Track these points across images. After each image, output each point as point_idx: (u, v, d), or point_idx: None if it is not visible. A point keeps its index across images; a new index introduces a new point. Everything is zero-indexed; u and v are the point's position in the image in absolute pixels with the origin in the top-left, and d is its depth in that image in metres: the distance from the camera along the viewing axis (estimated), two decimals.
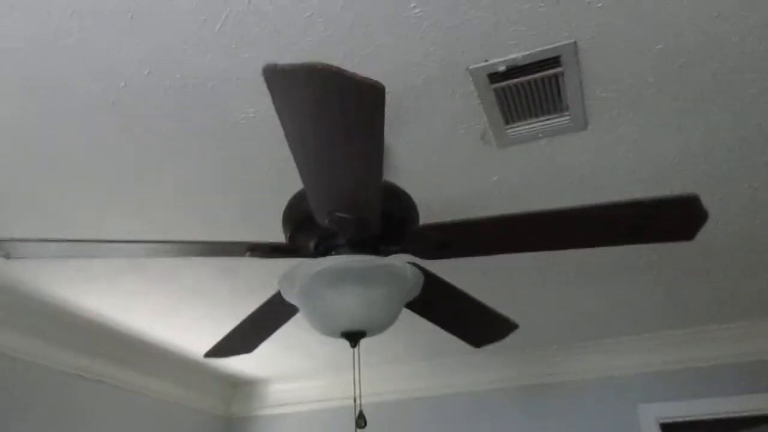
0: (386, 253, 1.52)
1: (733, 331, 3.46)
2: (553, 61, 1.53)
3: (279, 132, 1.72)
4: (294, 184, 1.94)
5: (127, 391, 3.46)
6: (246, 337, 1.98)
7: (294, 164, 1.82)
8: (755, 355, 3.42)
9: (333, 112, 0.90)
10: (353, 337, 1.45)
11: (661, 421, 3.49)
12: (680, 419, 3.52)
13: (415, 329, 3.35)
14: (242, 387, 4.41)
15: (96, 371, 3.24)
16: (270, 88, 0.88)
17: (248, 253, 1.51)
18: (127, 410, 3.43)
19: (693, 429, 5.22)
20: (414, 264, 1.49)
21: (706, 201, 2.11)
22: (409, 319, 3.13)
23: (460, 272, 2.62)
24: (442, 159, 1.90)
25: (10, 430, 2.75)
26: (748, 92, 1.65)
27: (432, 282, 1.68)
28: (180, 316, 2.99)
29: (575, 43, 1.47)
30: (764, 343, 3.41)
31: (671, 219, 1.29)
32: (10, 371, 2.83)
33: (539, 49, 1.49)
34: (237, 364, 3.91)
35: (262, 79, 1.52)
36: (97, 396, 3.25)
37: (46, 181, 1.90)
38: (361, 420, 1.45)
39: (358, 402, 4.11)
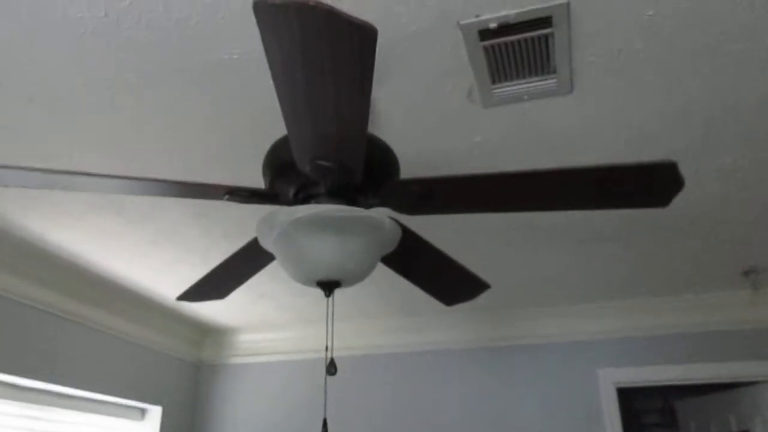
0: (366, 205, 1.52)
1: (689, 303, 3.58)
2: (545, 21, 1.52)
3: (263, 75, 1.69)
4: (275, 129, 1.92)
5: (96, 331, 3.45)
6: (220, 282, 1.98)
7: (277, 109, 1.80)
8: (707, 326, 3.56)
9: (323, 53, 0.88)
10: (328, 287, 1.45)
11: (618, 385, 3.63)
12: (636, 384, 3.68)
13: (386, 286, 3.38)
14: (212, 334, 4.43)
15: (65, 309, 3.21)
16: (260, 23, 0.86)
17: (226, 197, 1.49)
18: (94, 350, 3.43)
19: (644, 393, 5.46)
20: (392, 218, 1.49)
21: (683, 170, 2.15)
22: (381, 275, 3.16)
23: (435, 230, 2.64)
24: (426, 115, 1.89)
25: None
26: (732, 64, 1.66)
27: (408, 237, 1.69)
28: (153, 258, 2.97)
29: (568, 3, 1.45)
30: (715, 315, 3.55)
31: (648, 184, 1.31)
32: None
33: (532, 7, 1.47)
34: (208, 311, 3.92)
35: (248, 18, 1.48)
36: (65, 334, 3.23)
37: (17, 109, 1.84)
38: (331, 367, 1.47)
39: (329, 351, 4.17)
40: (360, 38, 0.85)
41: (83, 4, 1.43)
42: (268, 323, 4.16)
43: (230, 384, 4.37)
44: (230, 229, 2.65)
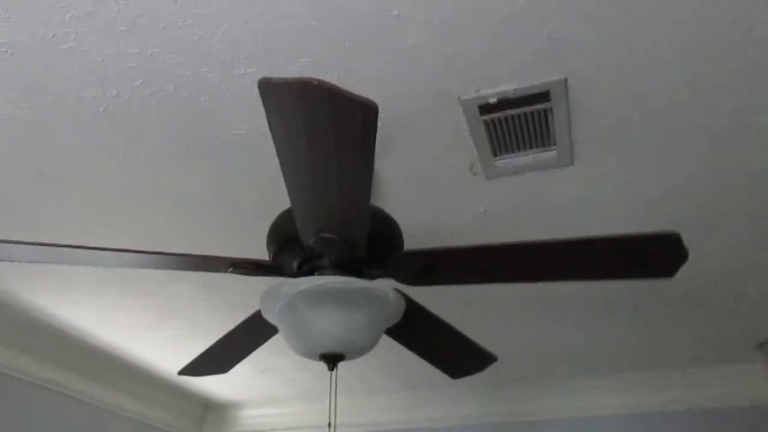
0: (370, 277, 1.51)
1: (706, 377, 3.48)
2: (543, 96, 1.56)
3: (268, 150, 1.72)
4: (279, 203, 1.93)
5: (95, 407, 3.37)
6: (222, 356, 1.95)
7: (281, 183, 1.82)
8: (723, 401, 3.43)
9: (326, 129, 0.91)
10: (332, 360, 1.43)
11: None
12: None
13: (392, 359, 3.31)
14: (215, 410, 4.32)
15: (64, 384, 3.15)
16: (264, 101, 0.89)
17: (230, 269, 1.50)
18: (93, 426, 3.34)
19: None
20: (396, 290, 1.48)
21: (688, 242, 2.13)
22: (386, 348, 3.10)
23: (440, 301, 2.61)
24: (430, 187, 1.91)
25: None
26: (730, 137, 1.69)
27: (413, 309, 1.67)
28: (156, 332, 2.94)
29: (566, 79, 1.50)
30: (734, 389, 3.43)
31: (652, 255, 1.31)
32: None
33: (530, 83, 1.52)
34: (210, 386, 3.83)
35: (254, 96, 1.53)
36: (64, 410, 3.16)
37: (29, 186, 1.88)
38: None
39: (332, 428, 4.04)
40: (362, 115, 0.87)
41: (97, 85, 1.49)
42: (271, 398, 4.05)
43: None
44: (235, 302, 2.63)
